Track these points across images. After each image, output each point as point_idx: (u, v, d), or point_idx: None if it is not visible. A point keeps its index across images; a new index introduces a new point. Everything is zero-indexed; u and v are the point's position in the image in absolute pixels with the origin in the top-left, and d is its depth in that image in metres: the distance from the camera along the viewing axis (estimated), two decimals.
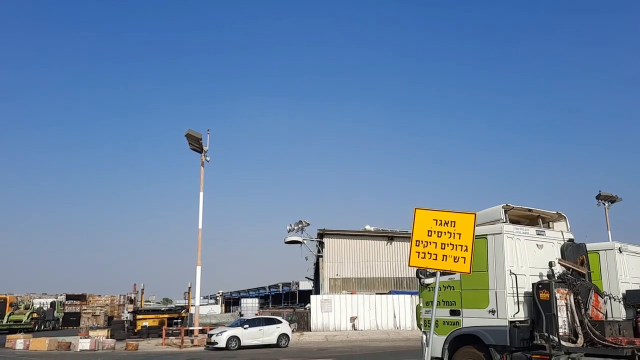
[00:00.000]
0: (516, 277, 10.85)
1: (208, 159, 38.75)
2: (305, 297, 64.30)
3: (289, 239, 50.84)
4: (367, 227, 51.34)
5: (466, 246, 9.35)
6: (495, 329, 10.80)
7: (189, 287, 42.93)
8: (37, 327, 50.56)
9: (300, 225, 51.39)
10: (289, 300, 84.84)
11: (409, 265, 10.19)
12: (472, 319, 11.35)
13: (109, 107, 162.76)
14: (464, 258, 9.30)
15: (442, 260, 9.48)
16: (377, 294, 42.89)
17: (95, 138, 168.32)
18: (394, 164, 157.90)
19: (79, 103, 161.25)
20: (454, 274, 10.88)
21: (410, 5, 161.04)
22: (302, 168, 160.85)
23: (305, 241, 50.39)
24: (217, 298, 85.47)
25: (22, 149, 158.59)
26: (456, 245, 9.44)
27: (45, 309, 56.09)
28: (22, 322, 49.42)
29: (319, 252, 49.28)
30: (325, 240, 48.53)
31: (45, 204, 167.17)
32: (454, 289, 11.80)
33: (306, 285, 70.65)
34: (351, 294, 43.09)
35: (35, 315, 52.59)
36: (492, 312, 10.92)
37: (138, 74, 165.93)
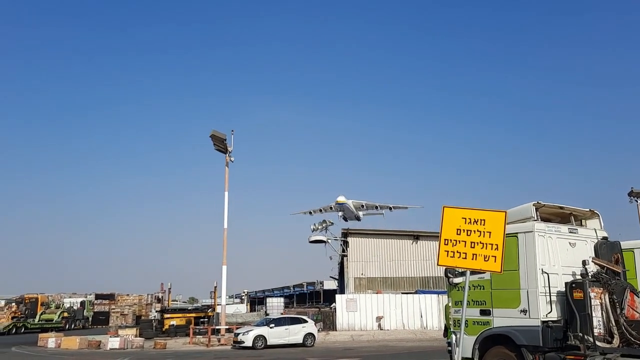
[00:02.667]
0: (548, 276, 10.62)
1: (232, 159, 39.03)
2: (330, 296, 64.27)
3: (313, 238, 50.91)
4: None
5: (497, 245, 9.19)
6: (527, 329, 10.59)
7: (215, 287, 43.30)
8: (67, 326, 51.53)
9: (324, 225, 51.43)
10: (313, 300, 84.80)
11: (437, 265, 10.05)
12: (503, 318, 11.14)
13: (133, 105, 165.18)
14: (495, 257, 9.15)
15: (472, 259, 9.34)
16: (403, 293, 42.57)
17: (121, 137, 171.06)
18: (418, 163, 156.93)
19: (101, 104, 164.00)
20: (484, 273, 10.69)
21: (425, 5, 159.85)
22: (325, 167, 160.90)
23: (329, 240, 50.41)
24: (243, 297, 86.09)
25: (58, 150, 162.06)
26: (486, 243, 9.29)
27: (75, 308, 57.14)
28: (53, 321, 50.44)
29: (343, 251, 49.18)
30: (349, 239, 48.42)
31: (75, 205, 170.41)
32: (484, 289, 11.60)
33: (331, 284, 70.59)
34: (377, 293, 42.89)
35: (65, 314, 53.61)
36: (524, 311, 10.70)
37: (153, 72, 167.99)
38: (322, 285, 78.07)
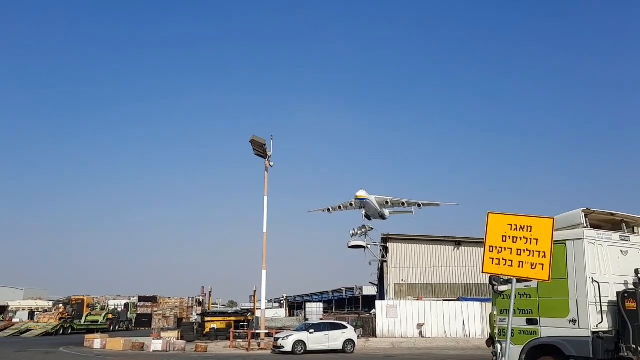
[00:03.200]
0: (599, 285, 10.26)
1: (272, 164, 39.34)
2: (369, 302, 63.84)
3: (353, 243, 50.64)
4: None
5: (544, 252, 8.91)
6: (576, 339, 10.22)
7: (255, 291, 43.60)
8: (112, 328, 52.84)
9: (363, 230, 51.10)
10: (352, 306, 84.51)
11: (482, 272, 9.81)
12: (550, 328, 10.79)
13: (174, 111, 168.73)
14: (542, 265, 8.86)
15: (518, 266, 9.07)
16: (444, 300, 41.86)
17: (167, 142, 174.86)
18: (460, 167, 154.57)
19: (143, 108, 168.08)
20: (531, 281, 10.37)
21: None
22: (365, 171, 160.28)
23: (369, 246, 50.07)
24: (282, 302, 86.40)
25: (100, 155, 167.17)
26: (533, 251, 9.01)
27: (119, 310, 58.55)
28: (99, 323, 51.79)
29: (383, 257, 48.79)
30: (389, 245, 48.02)
31: (119, 208, 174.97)
32: (530, 297, 11.27)
33: (370, 290, 70.14)
34: (417, 300, 42.32)
35: (110, 316, 54.99)
36: (573, 321, 10.34)
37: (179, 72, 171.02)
38: (361, 291, 77.62)
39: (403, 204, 52.56)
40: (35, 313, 55.23)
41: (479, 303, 39.74)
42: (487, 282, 12.57)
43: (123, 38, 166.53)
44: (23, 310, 57.96)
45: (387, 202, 52.63)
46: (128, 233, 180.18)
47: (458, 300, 42.25)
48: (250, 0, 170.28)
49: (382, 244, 48.91)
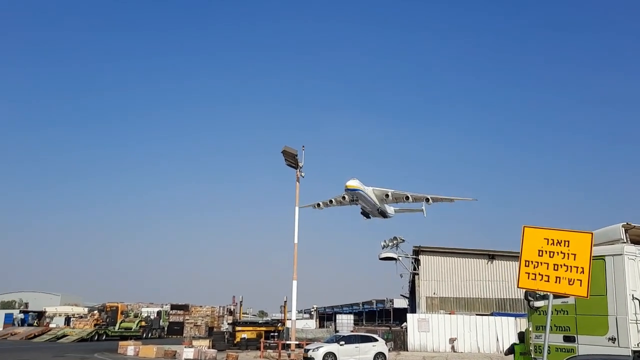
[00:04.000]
0: (639, 302, 9.92)
1: (303, 174, 39.44)
2: (400, 315, 63.07)
3: (384, 255, 50.28)
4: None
5: (582, 268, 8.71)
6: (616, 358, 9.90)
7: (285, 301, 43.63)
8: (144, 335, 53.53)
9: (394, 242, 50.69)
10: (383, 318, 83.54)
11: (517, 287, 9.64)
12: (589, 346, 10.47)
13: (204, 121, 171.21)
14: (580, 280, 8.66)
15: (555, 282, 8.89)
16: (477, 315, 41.11)
17: (199, 152, 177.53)
18: (494, 180, 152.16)
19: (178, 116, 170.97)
20: (568, 297, 10.12)
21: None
22: (396, 182, 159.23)
23: (400, 258, 49.63)
24: (312, 312, 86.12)
25: (137, 165, 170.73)
26: (571, 266, 8.82)
27: (152, 317, 59.32)
28: (132, 330, 52.58)
29: (414, 269, 48.27)
30: (421, 257, 47.49)
31: (153, 217, 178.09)
32: (567, 314, 10.98)
33: (401, 303, 69.35)
34: (450, 314, 41.68)
35: (143, 323, 55.77)
36: (612, 339, 10.02)
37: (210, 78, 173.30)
38: (392, 304, 76.78)
39: (407, 197, 48.17)
40: (71, 319, 56.48)
41: (513, 318, 38.91)
42: (523, 297, 12.32)
43: (160, 48, 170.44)
44: (60, 316, 59.42)
45: (387, 196, 48.44)
46: (162, 241, 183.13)
47: (492, 315, 41.44)
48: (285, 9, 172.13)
49: (414, 256, 48.40)
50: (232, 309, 55.42)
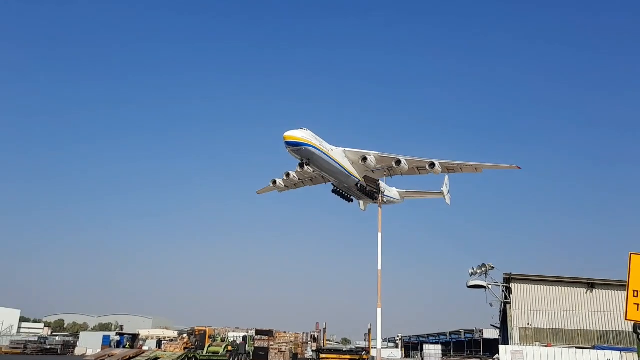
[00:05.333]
0: None
1: (385, 199, 38.86)
2: (490, 346, 60.06)
3: (472, 283, 48.35)
4: None
5: None
6: None
7: (369, 329, 42.74)
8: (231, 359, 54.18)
9: (483, 269, 48.60)
10: (472, 349, 79.98)
11: (625, 319, 8.59)
12: None
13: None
14: None
15: None
16: (577, 348, 38.11)
17: None
18: (596, 204, 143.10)
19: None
20: None
21: None
22: (484, 205, 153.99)
23: (489, 286, 47.45)
24: (397, 341, 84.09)
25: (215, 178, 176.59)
26: None
27: (238, 342, 60.05)
28: (219, 354, 53.45)
29: (505, 298, 45.81)
30: (512, 285, 45.03)
31: (237, 247, 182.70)
32: None
33: (492, 333, 66.03)
34: (546, 346, 38.95)
35: (230, 348, 56.56)
36: None
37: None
38: (482, 334, 73.67)
39: (398, 162, 38.12)
40: (162, 342, 58.41)
41: (618, 353, 35.71)
42: (631, 330, 11.04)
43: (200, 55, 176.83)
44: (152, 338, 61.73)
45: (364, 160, 38.77)
46: (247, 267, 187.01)
47: (593, 348, 38.26)
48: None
49: (505, 284, 46.04)
50: (315, 336, 55.08)
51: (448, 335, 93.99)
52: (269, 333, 72.96)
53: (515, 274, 45.24)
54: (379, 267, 37.66)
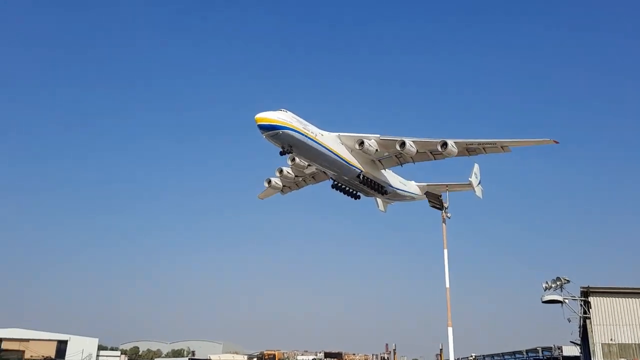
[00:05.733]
0: None
1: (449, 215, 38.00)
2: None
3: (547, 297, 46.19)
4: None
5: None
6: None
7: (441, 349, 41.60)
8: None
9: (558, 283, 46.35)
10: None
11: None
12: None
13: None
14: None
15: None
16: None
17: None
18: None
19: None
20: None
21: None
22: (546, 211, 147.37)
23: (566, 300, 45.11)
24: None
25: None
26: None
27: None
28: None
29: (584, 312, 43.35)
30: (591, 299, 42.59)
31: (307, 269, 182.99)
32: None
33: (572, 350, 62.80)
34: None
35: None
36: None
37: None
38: (561, 351, 70.52)
39: (402, 144, 33.36)
40: None
41: None
42: None
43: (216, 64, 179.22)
44: None
45: (361, 144, 34.29)
46: (312, 289, 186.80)
47: None
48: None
49: (583, 298, 43.60)
50: (385, 357, 54.05)
51: (525, 353, 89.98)
52: (337, 355, 72.45)
53: (593, 287, 42.71)
54: (447, 285, 36.60)
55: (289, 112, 34.97)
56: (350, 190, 38.14)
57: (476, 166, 42.96)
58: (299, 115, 35.28)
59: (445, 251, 37.30)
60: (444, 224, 37.36)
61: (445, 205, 37.02)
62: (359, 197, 39.21)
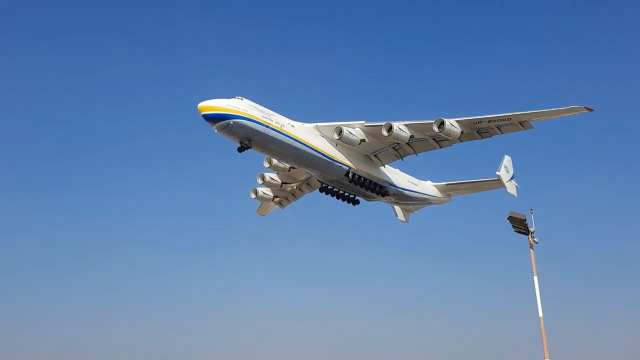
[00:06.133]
0: None
1: (537, 240, 35.94)
2: None
3: None
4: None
5: None
6: None
7: None
8: None
9: None
10: None
11: None
12: None
13: None
14: None
15: None
16: None
17: None
18: None
19: None
20: None
21: None
22: None
23: None
24: None
25: None
26: None
27: None
28: None
29: None
30: None
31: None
32: None
33: None
34: None
35: None
36: None
37: None
38: None
39: (389, 129, 29.11)
40: None
41: None
42: None
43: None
44: None
45: (340, 133, 29.98)
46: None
47: None
48: None
49: None
50: None
51: None
52: None
53: None
54: (540, 314, 34.46)
55: (245, 100, 30.11)
56: (344, 193, 32.67)
57: (507, 158, 39.46)
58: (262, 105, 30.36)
59: (535, 278, 35.24)
60: (531, 250, 34.93)
61: (532, 229, 34.62)
62: (357, 202, 34.07)
